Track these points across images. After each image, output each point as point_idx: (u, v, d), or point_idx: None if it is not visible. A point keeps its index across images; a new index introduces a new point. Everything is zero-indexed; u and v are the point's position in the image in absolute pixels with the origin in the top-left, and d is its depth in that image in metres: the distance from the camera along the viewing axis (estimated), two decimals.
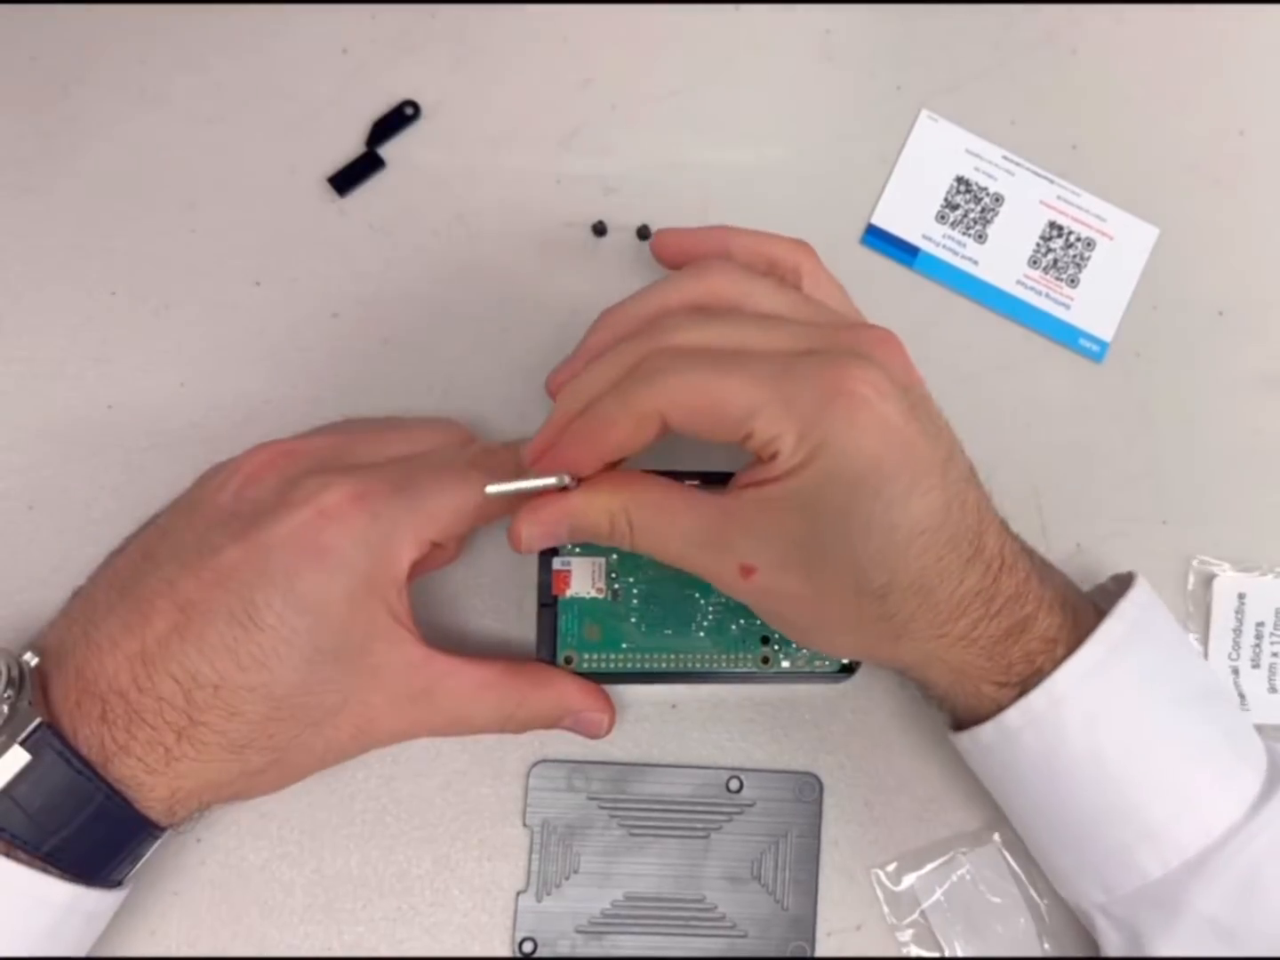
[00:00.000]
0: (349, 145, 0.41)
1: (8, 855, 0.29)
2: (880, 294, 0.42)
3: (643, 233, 0.41)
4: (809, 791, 0.38)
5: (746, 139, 0.43)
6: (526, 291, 0.41)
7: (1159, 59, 0.44)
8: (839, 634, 0.32)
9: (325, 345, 0.40)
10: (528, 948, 0.37)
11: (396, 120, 0.41)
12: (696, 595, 0.37)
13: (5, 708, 0.29)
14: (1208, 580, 0.40)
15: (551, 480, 0.31)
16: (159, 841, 0.32)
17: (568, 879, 0.37)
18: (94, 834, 0.30)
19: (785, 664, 0.37)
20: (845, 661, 0.37)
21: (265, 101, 0.42)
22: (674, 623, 0.37)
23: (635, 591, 0.37)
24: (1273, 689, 0.39)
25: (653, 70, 0.43)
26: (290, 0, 0.42)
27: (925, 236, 0.42)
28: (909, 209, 0.42)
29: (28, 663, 0.31)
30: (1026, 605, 0.32)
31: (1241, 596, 0.40)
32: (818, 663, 0.37)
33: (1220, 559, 0.40)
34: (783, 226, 0.42)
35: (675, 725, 0.39)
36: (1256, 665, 0.39)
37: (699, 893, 0.38)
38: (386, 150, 0.41)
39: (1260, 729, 0.39)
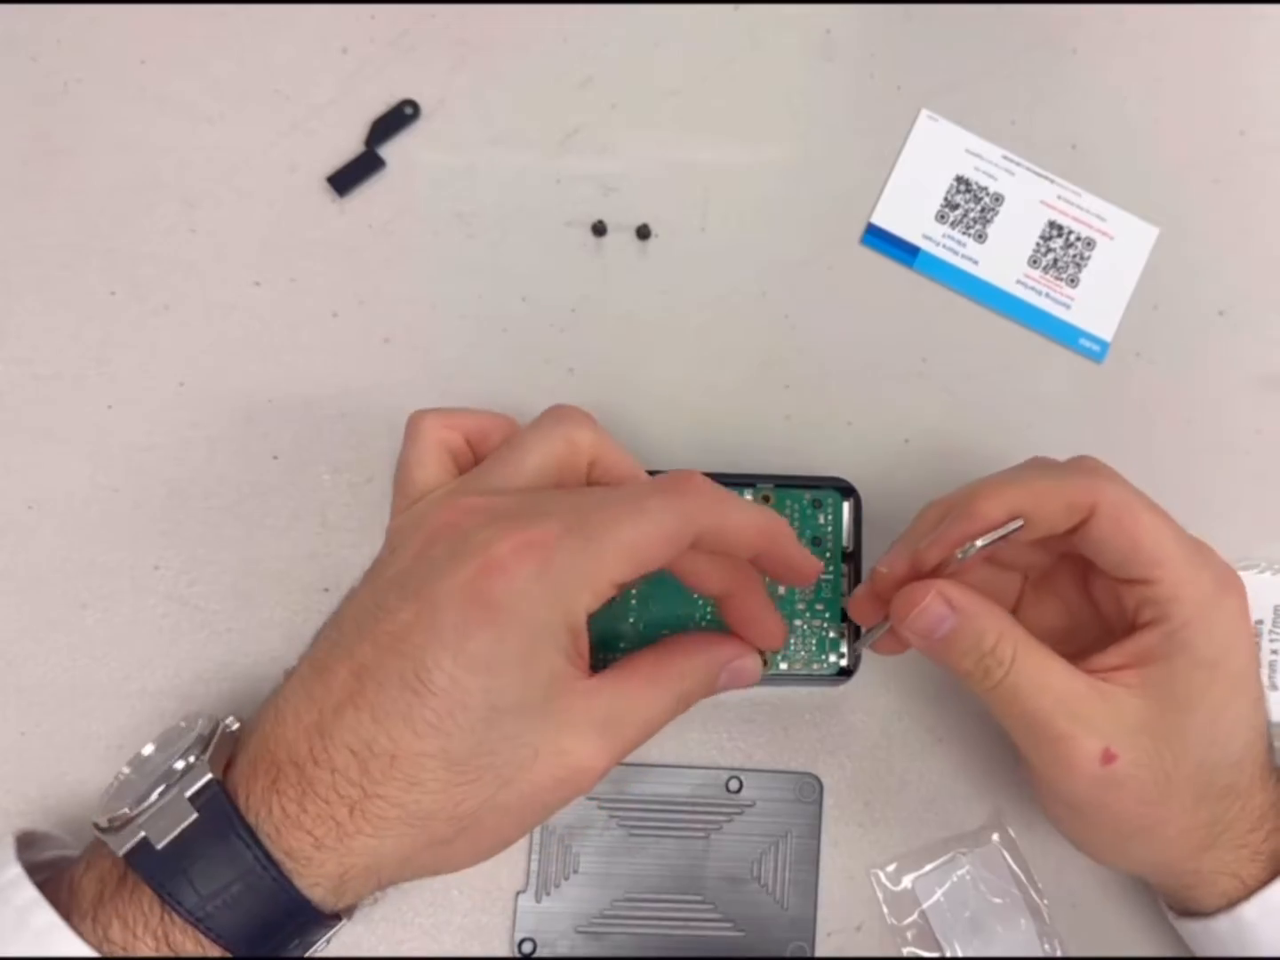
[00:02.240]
0: (349, 145, 0.41)
1: (163, 911, 0.28)
2: (880, 294, 0.42)
3: (642, 232, 0.41)
4: (809, 792, 0.38)
5: (746, 139, 0.43)
6: (526, 291, 0.41)
7: (1159, 59, 0.44)
8: (1156, 843, 0.32)
9: (325, 345, 0.40)
10: (527, 948, 0.37)
11: (396, 120, 0.42)
12: (695, 596, 0.37)
13: (187, 761, 0.29)
14: None
15: (1017, 523, 0.31)
16: (331, 931, 0.30)
17: (567, 879, 0.37)
18: (248, 905, 0.28)
19: (783, 665, 0.37)
20: (843, 664, 0.37)
21: (265, 101, 0.42)
22: (672, 623, 0.36)
23: (633, 592, 0.37)
24: (1273, 686, 0.39)
25: (653, 70, 0.43)
26: (290, 0, 0.42)
27: (925, 236, 0.42)
28: (909, 209, 0.42)
29: (228, 726, 0.31)
30: None
31: None
32: (815, 664, 0.37)
33: None
34: (783, 226, 0.42)
35: (675, 725, 0.38)
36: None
37: (699, 893, 0.38)
38: (386, 150, 0.41)
39: None
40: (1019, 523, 0.31)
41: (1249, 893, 0.32)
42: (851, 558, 0.37)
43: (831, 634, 0.37)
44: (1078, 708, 0.30)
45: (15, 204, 0.41)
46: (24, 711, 0.38)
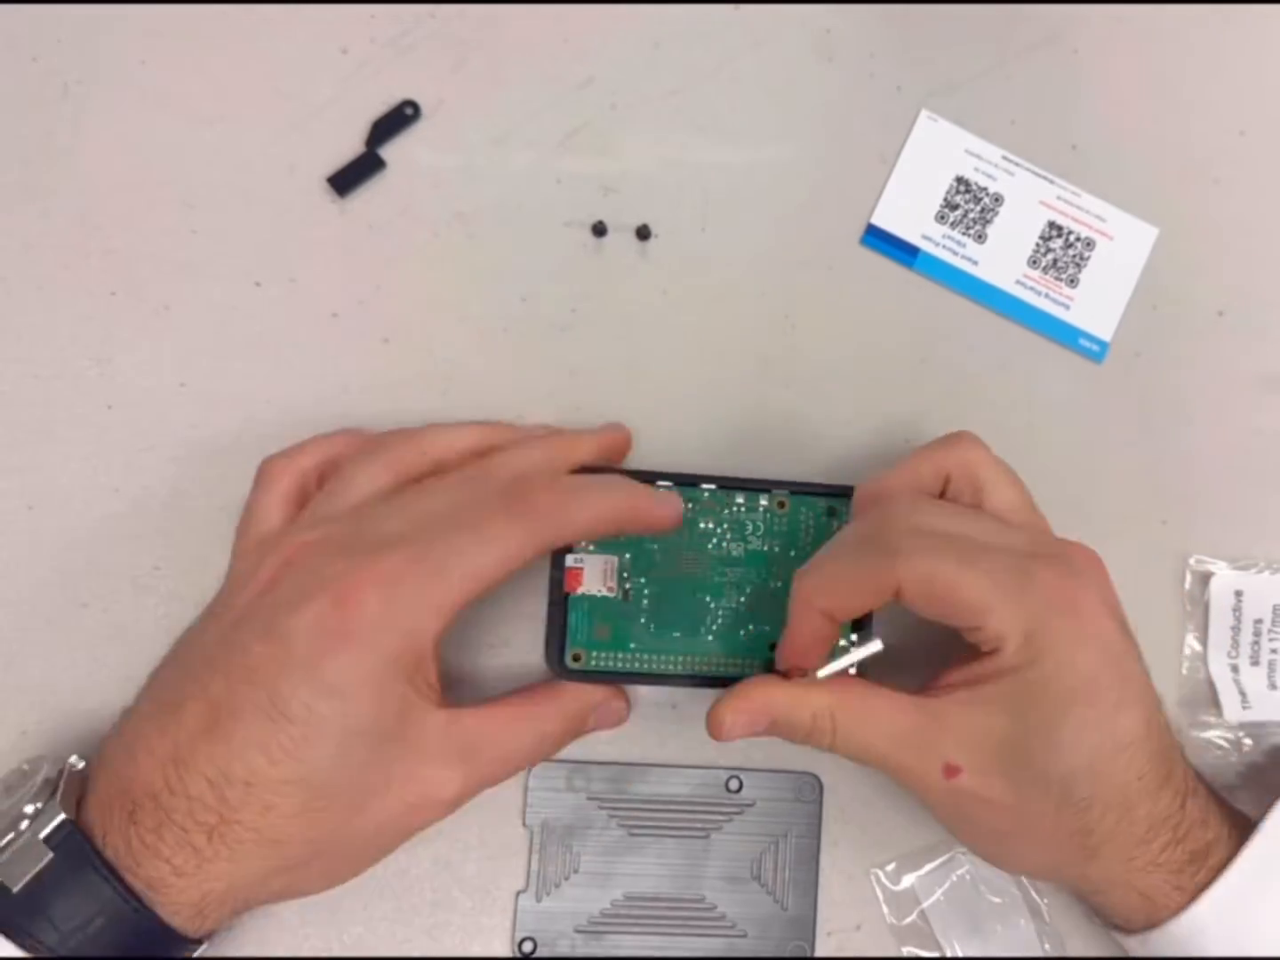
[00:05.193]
0: (349, 145, 0.41)
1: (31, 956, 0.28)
2: (880, 294, 0.42)
3: (642, 232, 0.41)
4: (809, 791, 0.38)
5: (746, 139, 0.43)
6: (526, 291, 0.41)
7: (1159, 59, 0.44)
8: (1032, 847, 0.33)
9: (325, 345, 0.40)
10: (527, 948, 0.37)
11: (396, 120, 0.41)
12: (707, 599, 0.37)
13: (36, 806, 0.30)
14: (1204, 579, 0.40)
15: (876, 647, 0.33)
16: (194, 953, 0.31)
17: (567, 879, 0.37)
18: (112, 937, 0.29)
19: None
20: (853, 672, 0.37)
21: (265, 101, 0.42)
22: (684, 625, 0.36)
23: (646, 592, 0.36)
24: (1273, 685, 0.39)
25: (653, 70, 0.43)
26: (290, 0, 0.42)
27: (925, 236, 0.42)
28: (909, 209, 0.42)
29: (73, 765, 0.31)
30: (1209, 831, 0.33)
31: (1239, 594, 0.40)
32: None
33: (1217, 558, 0.40)
34: (783, 226, 0.42)
35: (675, 725, 0.39)
36: (1256, 663, 0.39)
37: (699, 893, 0.38)
38: (386, 150, 0.41)
39: (1262, 726, 0.39)
40: (876, 647, 0.33)
41: (1156, 910, 0.32)
42: None
43: (842, 641, 0.37)
44: (910, 739, 0.32)
45: (15, 204, 0.41)
46: (24, 711, 0.38)
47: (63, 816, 0.29)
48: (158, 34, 0.42)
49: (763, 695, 0.33)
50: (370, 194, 0.41)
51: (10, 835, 0.29)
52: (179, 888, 0.29)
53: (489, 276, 0.41)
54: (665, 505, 0.34)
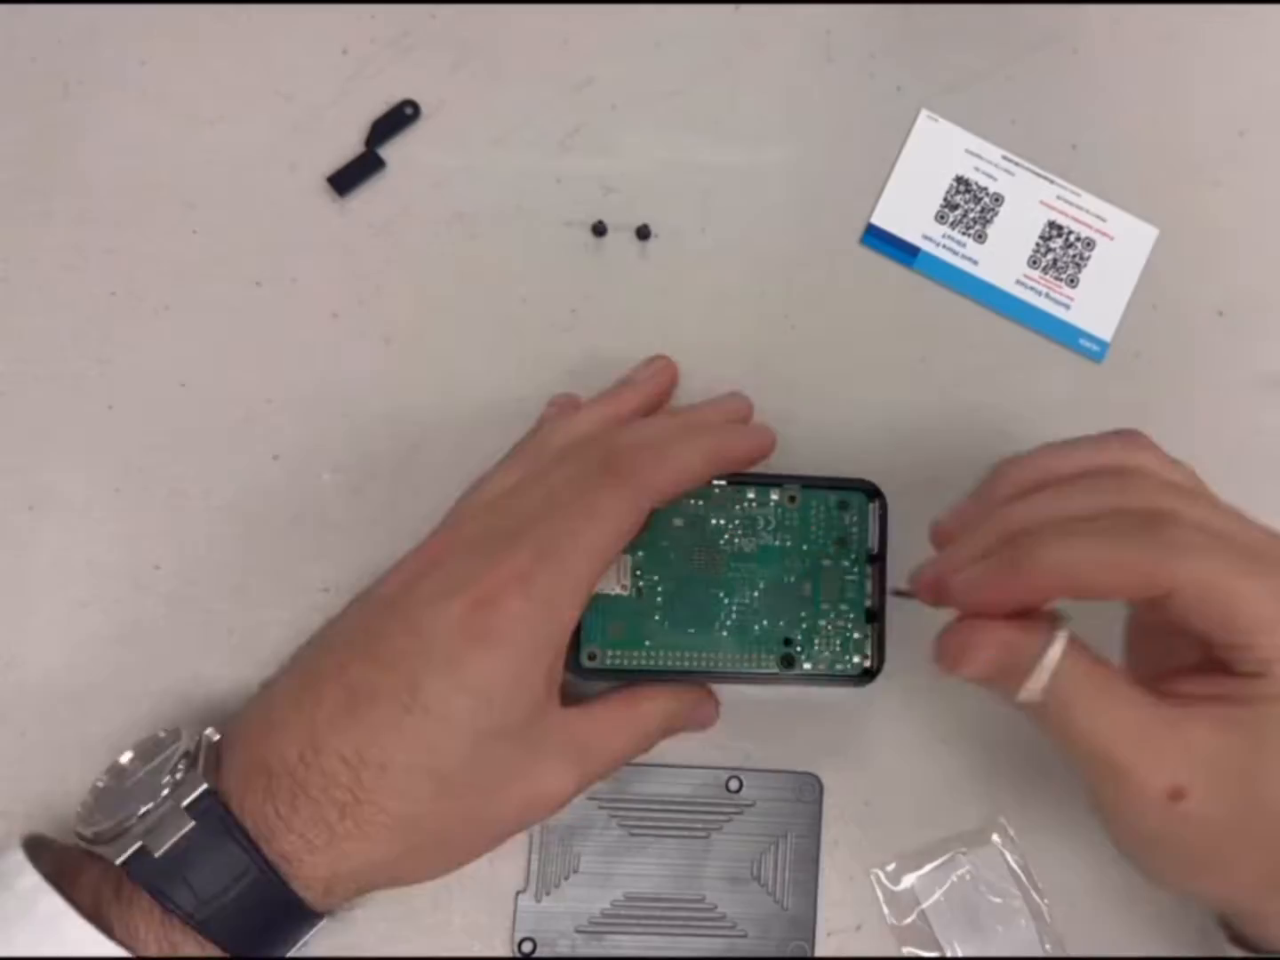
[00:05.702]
0: (349, 145, 0.41)
1: (163, 914, 0.29)
2: (880, 294, 0.42)
3: (642, 232, 0.41)
4: (809, 791, 0.38)
5: (746, 139, 0.43)
6: (526, 291, 0.41)
7: (1159, 59, 0.44)
8: (1225, 876, 0.30)
9: (325, 345, 0.40)
10: (527, 948, 0.37)
11: (396, 120, 0.41)
12: (721, 595, 0.37)
13: (178, 775, 0.30)
14: None
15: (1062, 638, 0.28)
16: (315, 928, 0.32)
17: (567, 879, 0.37)
18: (246, 906, 0.29)
19: (807, 666, 0.37)
20: (867, 665, 0.37)
21: (265, 101, 0.42)
22: (697, 622, 0.36)
23: (660, 589, 0.36)
24: None
25: (653, 70, 0.43)
26: (290, 0, 0.42)
27: (925, 236, 0.42)
28: (909, 209, 0.42)
29: (209, 737, 0.32)
30: None
31: None
32: (839, 665, 0.37)
33: None
34: (783, 226, 0.42)
35: None
36: None
37: (699, 893, 0.38)
38: (386, 150, 0.41)
39: None
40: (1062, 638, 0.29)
41: None
42: (877, 559, 0.37)
43: (856, 635, 0.37)
44: (1142, 740, 0.28)
45: (15, 204, 0.41)
46: (24, 712, 0.38)
47: (205, 786, 0.30)
48: (158, 34, 0.42)
49: (1003, 632, 0.29)
50: (370, 194, 0.41)
51: (152, 803, 0.30)
52: (311, 863, 0.30)
53: (489, 276, 0.41)
54: (754, 436, 0.35)
